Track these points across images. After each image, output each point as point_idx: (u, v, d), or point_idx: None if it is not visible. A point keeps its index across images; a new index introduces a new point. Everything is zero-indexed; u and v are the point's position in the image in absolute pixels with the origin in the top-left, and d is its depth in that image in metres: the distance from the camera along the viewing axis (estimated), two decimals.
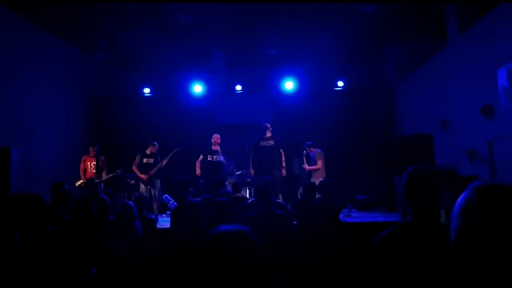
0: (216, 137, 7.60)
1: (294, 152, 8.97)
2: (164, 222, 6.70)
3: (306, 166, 7.71)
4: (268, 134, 7.37)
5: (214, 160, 7.43)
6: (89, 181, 6.06)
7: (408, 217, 1.80)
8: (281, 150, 7.21)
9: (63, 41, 8.67)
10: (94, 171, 7.51)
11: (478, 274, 0.96)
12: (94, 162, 7.55)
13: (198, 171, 7.47)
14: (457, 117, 6.89)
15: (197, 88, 9.72)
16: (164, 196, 7.92)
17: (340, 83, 9.80)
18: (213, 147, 7.54)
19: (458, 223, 1.02)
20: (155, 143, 7.95)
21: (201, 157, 7.54)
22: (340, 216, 6.79)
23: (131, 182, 8.50)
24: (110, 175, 7.52)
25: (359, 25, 7.90)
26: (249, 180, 8.49)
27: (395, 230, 1.78)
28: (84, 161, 7.65)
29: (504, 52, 5.40)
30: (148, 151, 7.80)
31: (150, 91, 9.93)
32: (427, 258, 1.60)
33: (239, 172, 9.02)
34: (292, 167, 9.30)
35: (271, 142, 7.31)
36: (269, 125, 7.43)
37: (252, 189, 7.46)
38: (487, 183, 1.02)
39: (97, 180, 7.27)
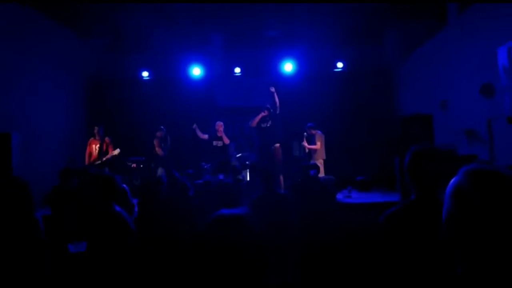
0: (219, 125, 8.05)
1: (294, 134, 9.01)
2: None
3: (306, 144, 7.84)
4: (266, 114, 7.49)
5: (219, 145, 7.91)
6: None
7: (413, 196, 1.81)
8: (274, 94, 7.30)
9: (61, 25, 8.54)
10: (97, 154, 7.54)
11: (465, 256, 0.99)
12: (98, 145, 7.57)
13: (202, 135, 8.04)
14: (456, 97, 6.88)
15: (196, 71, 9.66)
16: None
17: (340, 65, 9.74)
18: (218, 133, 7.99)
19: (449, 206, 1.05)
20: (162, 127, 8.22)
21: (206, 136, 7.98)
22: (340, 197, 6.94)
23: (132, 166, 8.62)
24: (110, 156, 7.51)
25: (359, 6, 7.79)
26: (247, 163, 8.60)
27: (400, 208, 1.79)
28: (89, 144, 7.67)
29: (504, 31, 5.35)
30: (158, 135, 8.20)
31: (149, 74, 9.86)
32: (433, 235, 1.61)
33: (239, 154, 9.08)
34: (291, 149, 9.34)
35: (270, 122, 7.46)
36: (269, 106, 7.48)
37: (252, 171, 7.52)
38: (479, 167, 1.05)
39: (98, 162, 7.38)
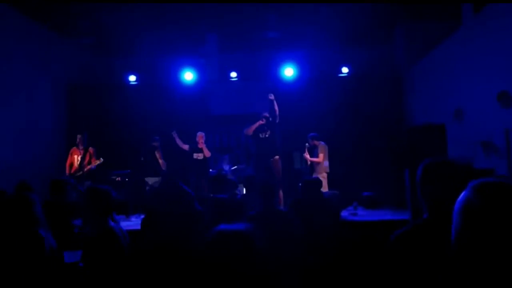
0: (198, 135, 8.08)
1: (295, 145, 8.99)
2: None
3: (307, 156, 7.83)
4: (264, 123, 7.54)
5: (199, 158, 7.98)
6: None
7: (425, 214, 1.79)
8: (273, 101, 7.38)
9: (38, 23, 8.53)
10: (78, 165, 7.52)
11: (477, 274, 1.00)
12: (81, 156, 7.57)
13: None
14: (472, 106, 6.88)
15: (188, 76, 9.66)
16: None
17: (345, 69, 9.76)
18: (198, 145, 8.00)
19: (458, 223, 1.08)
20: (156, 138, 8.30)
21: (186, 146, 8.05)
22: (345, 214, 6.97)
23: (116, 179, 8.57)
24: (93, 165, 7.51)
25: (366, 5, 7.84)
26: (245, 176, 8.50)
27: (411, 228, 1.77)
28: (71, 154, 7.64)
29: None
30: (156, 145, 8.31)
31: (136, 78, 9.86)
32: (448, 259, 1.58)
33: (234, 167, 9.05)
34: (292, 162, 9.33)
35: (268, 132, 7.51)
36: (267, 115, 7.51)
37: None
38: (488, 181, 1.07)
39: (79, 173, 7.38)
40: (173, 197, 4.16)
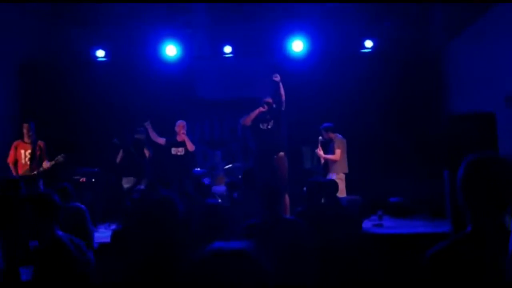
0: (177, 125, 8.02)
1: (305, 138, 9.02)
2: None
3: (321, 153, 7.87)
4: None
5: (179, 154, 7.91)
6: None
7: (469, 226, 1.79)
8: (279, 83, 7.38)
9: None
10: (28, 162, 7.44)
11: None
12: (30, 151, 7.47)
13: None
14: None
15: (170, 50, 9.61)
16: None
17: (369, 44, 9.67)
18: (178, 137, 7.96)
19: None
20: (141, 129, 8.41)
21: (162, 140, 8.06)
22: (368, 225, 7.02)
23: (81, 180, 8.64)
24: (52, 163, 7.48)
25: None
26: (240, 177, 8.47)
27: (452, 244, 1.76)
28: (15, 147, 7.52)
29: None
30: (141, 138, 8.44)
31: (105, 54, 9.80)
32: (497, 282, 1.58)
33: (228, 166, 9.11)
34: (301, 160, 9.37)
35: (271, 123, 7.49)
36: (271, 100, 7.48)
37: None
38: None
39: (34, 172, 7.36)
40: (157, 215, 4.18)
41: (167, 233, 3.80)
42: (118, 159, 8.42)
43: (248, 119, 7.50)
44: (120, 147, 8.42)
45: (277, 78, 7.31)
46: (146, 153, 8.38)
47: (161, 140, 8.12)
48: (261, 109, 7.40)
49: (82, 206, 4.94)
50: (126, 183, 8.28)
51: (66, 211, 4.37)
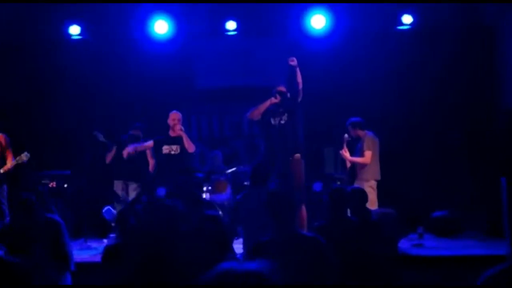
0: (174, 117, 7.95)
1: (326, 137, 9.03)
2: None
3: (346, 154, 7.85)
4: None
5: (173, 153, 7.84)
6: None
7: None
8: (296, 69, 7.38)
9: None
10: None
11: None
12: None
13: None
14: None
15: (161, 27, 9.55)
16: (106, 208, 8.17)
17: (407, 19, 9.54)
18: (171, 133, 7.90)
19: None
20: (138, 124, 8.63)
21: (150, 143, 8.04)
22: (406, 245, 7.02)
23: (50, 185, 8.73)
24: (13, 163, 7.50)
25: None
26: (247, 183, 8.56)
27: (510, 268, 1.79)
28: None
29: None
30: (138, 134, 8.63)
31: (81, 30, 9.73)
32: None
33: (232, 170, 9.13)
34: (322, 163, 9.38)
35: (285, 117, 7.47)
36: (284, 89, 7.48)
37: None
38: None
39: None
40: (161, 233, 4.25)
41: (168, 251, 3.90)
42: (108, 159, 8.53)
43: (257, 112, 7.49)
44: (104, 144, 8.50)
45: (293, 62, 7.29)
46: (149, 154, 8.43)
47: (149, 144, 8.11)
48: (273, 99, 7.39)
49: (57, 217, 4.98)
50: (119, 188, 8.43)
51: (36, 225, 4.44)
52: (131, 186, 8.44)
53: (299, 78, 7.35)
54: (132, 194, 8.36)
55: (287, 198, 3.81)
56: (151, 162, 8.32)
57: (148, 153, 8.35)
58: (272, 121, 7.49)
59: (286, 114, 7.46)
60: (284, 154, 7.39)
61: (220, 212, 7.26)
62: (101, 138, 8.48)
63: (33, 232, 4.49)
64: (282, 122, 7.47)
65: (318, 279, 3.49)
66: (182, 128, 7.88)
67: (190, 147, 7.86)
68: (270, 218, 3.79)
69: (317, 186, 8.16)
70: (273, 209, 3.77)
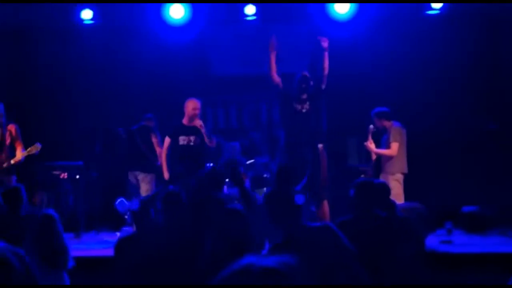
0: (193, 105, 7.87)
1: (350, 127, 9.08)
2: None
3: (371, 146, 7.81)
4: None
5: (192, 144, 7.72)
6: None
7: None
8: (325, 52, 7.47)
9: None
10: None
11: None
12: None
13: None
14: None
15: (177, 12, 9.49)
16: (119, 200, 8.18)
17: (437, 4, 9.35)
18: (186, 121, 7.88)
19: None
20: (149, 115, 8.64)
21: (167, 141, 8.01)
22: (434, 241, 6.94)
23: (61, 176, 8.76)
24: (25, 154, 7.55)
25: None
26: (267, 176, 8.73)
27: None
28: None
29: None
30: (151, 125, 8.68)
31: (93, 15, 9.68)
32: None
33: (250, 161, 9.19)
34: (346, 154, 9.40)
35: (307, 104, 7.44)
36: (307, 74, 7.42)
37: None
38: None
39: (5, 165, 7.49)
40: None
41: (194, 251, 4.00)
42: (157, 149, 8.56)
43: (273, 74, 7.55)
44: (125, 140, 8.63)
45: (325, 42, 7.30)
46: (155, 142, 8.48)
47: (166, 141, 8.07)
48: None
49: (51, 211, 4.86)
50: (133, 178, 8.46)
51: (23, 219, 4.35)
52: (144, 178, 8.42)
53: (326, 63, 7.35)
54: (144, 186, 8.33)
55: (286, 198, 3.89)
56: (158, 150, 8.34)
57: (155, 141, 8.36)
58: (296, 106, 7.43)
59: (308, 102, 7.43)
60: (306, 144, 7.38)
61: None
62: (124, 135, 8.59)
63: (19, 226, 4.50)
64: (304, 110, 7.43)
65: (339, 268, 3.53)
66: (202, 124, 7.78)
67: (209, 141, 7.82)
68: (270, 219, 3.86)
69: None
70: (271, 209, 3.86)
